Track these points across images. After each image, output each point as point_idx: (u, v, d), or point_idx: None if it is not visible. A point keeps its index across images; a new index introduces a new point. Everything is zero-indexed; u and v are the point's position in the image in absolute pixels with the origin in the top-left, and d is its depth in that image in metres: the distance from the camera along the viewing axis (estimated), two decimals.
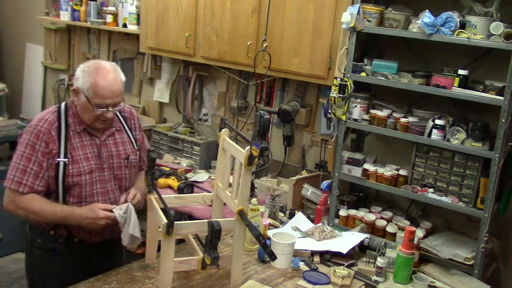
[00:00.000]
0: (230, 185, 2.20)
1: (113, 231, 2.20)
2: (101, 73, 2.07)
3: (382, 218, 2.70)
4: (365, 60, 2.71)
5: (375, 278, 2.26)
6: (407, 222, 2.66)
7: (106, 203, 2.17)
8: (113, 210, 2.11)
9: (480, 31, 2.31)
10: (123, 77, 2.16)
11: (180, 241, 2.31)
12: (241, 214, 1.93)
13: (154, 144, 3.94)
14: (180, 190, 3.13)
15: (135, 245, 2.18)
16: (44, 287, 2.26)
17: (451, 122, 2.47)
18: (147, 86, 4.38)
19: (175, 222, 1.82)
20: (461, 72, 2.37)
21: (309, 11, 2.94)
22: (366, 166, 2.70)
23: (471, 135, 2.38)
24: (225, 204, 2.24)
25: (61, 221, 2.12)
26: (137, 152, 2.32)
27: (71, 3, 4.40)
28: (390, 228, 2.61)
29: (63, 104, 2.20)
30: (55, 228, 2.18)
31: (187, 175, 3.44)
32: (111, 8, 4.21)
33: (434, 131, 2.43)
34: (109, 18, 4.18)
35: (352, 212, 2.75)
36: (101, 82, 2.05)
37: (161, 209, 1.95)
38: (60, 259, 2.20)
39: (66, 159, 2.09)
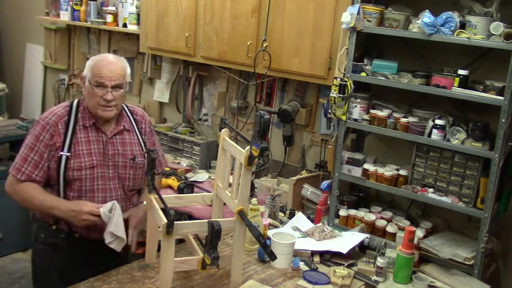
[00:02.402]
0: (230, 185, 2.20)
1: None
2: (102, 57, 2.19)
3: (382, 218, 2.70)
4: (365, 60, 2.71)
5: (374, 278, 2.26)
6: (407, 222, 2.66)
7: (106, 200, 2.18)
8: (99, 208, 2.11)
9: (480, 31, 2.31)
10: (126, 67, 2.23)
11: (180, 241, 2.31)
12: (241, 214, 1.93)
13: None
14: (180, 190, 3.13)
15: (119, 246, 2.16)
16: (46, 281, 2.28)
17: (451, 122, 2.47)
18: (147, 86, 4.38)
19: (175, 222, 1.82)
20: (461, 72, 2.37)
21: (309, 11, 2.94)
22: (366, 166, 2.70)
23: (471, 135, 2.38)
24: (225, 204, 2.24)
25: (48, 211, 2.15)
26: (145, 155, 2.30)
27: (71, 3, 4.40)
28: (390, 228, 2.61)
29: (76, 100, 2.26)
30: (57, 223, 2.21)
31: (187, 175, 3.44)
32: (111, 8, 4.20)
33: (434, 131, 2.43)
34: (109, 18, 4.17)
35: (352, 212, 2.75)
36: (100, 63, 2.15)
37: (161, 209, 1.95)
38: (61, 254, 2.22)
39: (68, 153, 2.13)
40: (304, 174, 3.20)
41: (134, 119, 2.35)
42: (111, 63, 2.16)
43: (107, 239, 2.13)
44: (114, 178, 2.23)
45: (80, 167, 2.14)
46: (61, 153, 2.12)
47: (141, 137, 2.34)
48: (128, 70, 2.23)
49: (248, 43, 3.20)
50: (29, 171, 2.12)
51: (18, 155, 2.16)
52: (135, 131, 2.33)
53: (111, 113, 2.19)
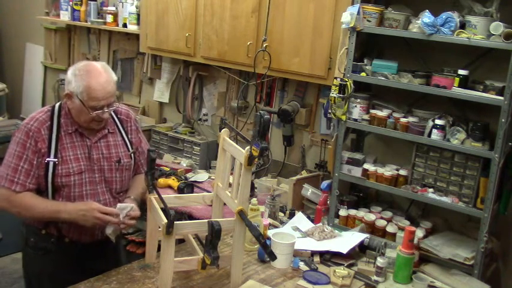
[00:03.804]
0: (230, 185, 2.20)
1: (102, 232, 2.18)
2: (92, 75, 2.07)
3: (382, 218, 2.70)
4: (365, 60, 2.71)
5: (374, 278, 2.26)
6: (407, 222, 2.66)
7: None
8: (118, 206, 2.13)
9: (480, 31, 2.31)
10: (114, 77, 2.16)
11: (180, 241, 2.31)
12: (241, 214, 1.93)
13: (154, 144, 3.94)
14: (180, 190, 3.13)
15: (114, 236, 2.19)
16: (38, 285, 2.27)
17: (451, 122, 2.47)
18: (147, 86, 4.38)
19: (175, 222, 1.82)
20: (461, 72, 2.37)
21: (309, 11, 2.94)
22: (366, 166, 2.70)
23: (471, 135, 2.38)
24: (225, 204, 2.24)
25: (54, 215, 2.09)
26: (131, 155, 2.29)
27: (71, 3, 4.40)
28: (390, 228, 2.61)
29: (57, 104, 2.20)
30: (46, 227, 2.18)
31: (187, 175, 3.44)
32: (111, 8, 4.20)
33: (434, 131, 2.43)
34: (109, 18, 4.18)
35: (352, 212, 2.75)
36: (94, 84, 2.05)
37: (161, 209, 1.95)
38: (52, 258, 2.19)
39: (55, 159, 2.09)
40: (304, 174, 3.20)
41: (119, 118, 2.30)
42: (105, 83, 2.07)
43: (108, 230, 2.14)
44: (101, 182, 2.20)
45: (68, 173, 2.10)
46: (48, 159, 2.08)
47: (127, 137, 2.30)
48: (116, 78, 2.16)
49: (248, 43, 3.20)
50: (22, 180, 2.08)
51: (6, 166, 2.09)
52: (120, 131, 2.28)
53: (103, 124, 2.18)
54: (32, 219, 2.19)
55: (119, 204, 2.14)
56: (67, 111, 2.16)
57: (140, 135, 2.40)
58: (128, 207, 2.14)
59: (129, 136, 2.32)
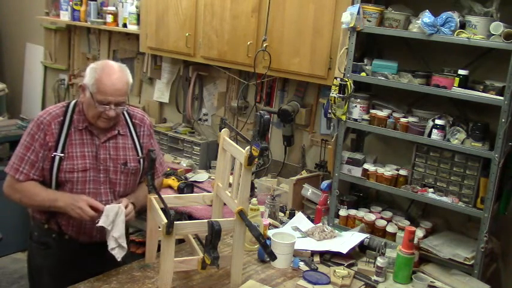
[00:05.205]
0: (230, 185, 2.20)
1: (101, 234, 2.15)
2: (106, 71, 2.10)
3: (382, 218, 2.70)
4: (365, 60, 2.71)
5: (374, 278, 2.26)
6: (407, 222, 2.66)
7: None
8: (105, 207, 2.07)
9: (480, 31, 2.31)
10: (130, 78, 2.17)
11: (180, 241, 2.31)
12: (241, 214, 1.93)
13: None
14: (180, 190, 3.13)
15: (120, 255, 2.07)
16: (40, 279, 2.29)
17: (451, 122, 2.47)
18: (147, 86, 4.38)
19: (175, 222, 1.83)
20: (461, 72, 2.37)
21: (309, 11, 2.94)
22: (366, 166, 2.70)
23: (471, 135, 2.38)
24: (225, 204, 2.24)
25: (52, 203, 2.10)
26: (140, 160, 2.28)
27: (71, 3, 4.40)
28: (390, 228, 2.61)
29: (73, 101, 2.23)
30: (48, 221, 2.20)
31: (187, 175, 3.44)
32: (111, 8, 4.20)
33: (434, 131, 2.44)
34: (109, 18, 4.17)
35: (352, 212, 2.75)
36: (104, 79, 2.08)
37: (161, 209, 1.95)
38: (53, 254, 2.21)
39: (62, 154, 2.11)
40: (304, 174, 3.20)
41: (133, 122, 2.30)
42: (117, 80, 2.09)
43: (111, 244, 2.07)
44: (105, 183, 2.20)
45: (72, 169, 2.12)
46: (54, 153, 2.11)
47: (138, 141, 2.29)
48: (131, 80, 2.18)
49: (248, 43, 3.20)
50: (27, 170, 2.12)
51: (15, 155, 2.15)
52: (131, 135, 2.28)
53: (111, 124, 2.18)
54: (32, 207, 2.22)
55: (107, 206, 2.07)
56: (81, 108, 2.18)
57: (153, 141, 2.39)
58: (115, 208, 2.07)
59: (141, 141, 2.31)
